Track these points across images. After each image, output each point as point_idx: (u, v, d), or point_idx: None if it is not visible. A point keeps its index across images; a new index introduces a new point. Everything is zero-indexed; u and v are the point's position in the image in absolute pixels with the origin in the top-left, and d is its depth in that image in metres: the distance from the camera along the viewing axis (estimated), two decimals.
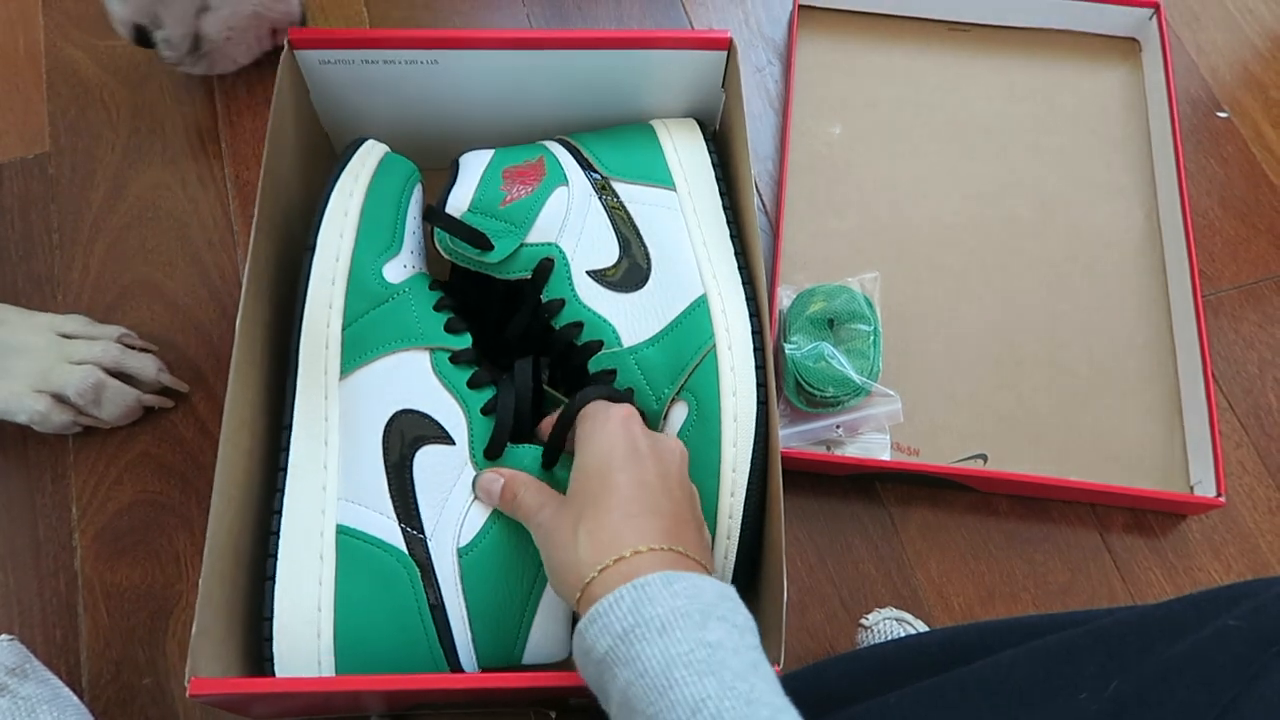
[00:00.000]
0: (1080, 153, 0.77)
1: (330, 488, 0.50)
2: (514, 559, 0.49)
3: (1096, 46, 0.81)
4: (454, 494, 0.50)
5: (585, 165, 0.58)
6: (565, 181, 0.57)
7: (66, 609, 0.60)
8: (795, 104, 0.77)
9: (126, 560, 0.61)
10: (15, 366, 0.61)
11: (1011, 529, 0.64)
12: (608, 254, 0.56)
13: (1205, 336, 0.66)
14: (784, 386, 0.65)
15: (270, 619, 0.47)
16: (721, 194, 0.58)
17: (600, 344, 0.54)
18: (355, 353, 0.52)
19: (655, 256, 0.56)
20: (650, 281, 0.55)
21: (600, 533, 0.42)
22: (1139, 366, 0.69)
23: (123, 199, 0.72)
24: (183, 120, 0.75)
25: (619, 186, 0.58)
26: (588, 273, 0.55)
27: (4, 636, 0.53)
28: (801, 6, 0.80)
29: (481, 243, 0.55)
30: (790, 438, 0.64)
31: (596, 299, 0.55)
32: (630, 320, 0.54)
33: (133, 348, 0.64)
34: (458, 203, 0.56)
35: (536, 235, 0.56)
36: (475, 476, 0.50)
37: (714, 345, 0.52)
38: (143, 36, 0.61)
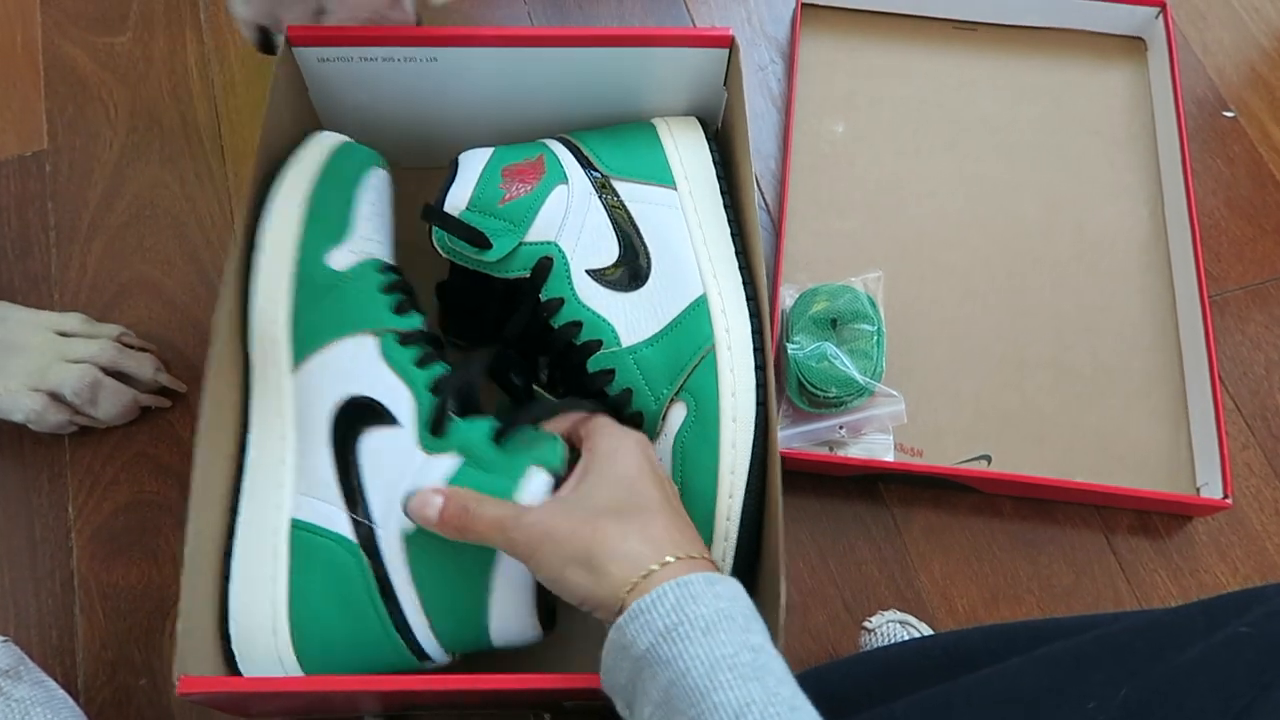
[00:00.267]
0: (1086, 152, 0.76)
1: (287, 483, 0.50)
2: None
3: (1102, 45, 0.81)
4: (404, 478, 0.48)
5: (585, 164, 0.58)
6: (565, 180, 0.57)
7: (62, 610, 0.59)
8: (798, 102, 0.76)
9: (123, 561, 0.60)
10: (11, 364, 0.60)
11: (1015, 530, 0.64)
12: (607, 253, 0.55)
13: (1211, 337, 0.66)
14: (786, 387, 0.64)
15: (226, 620, 0.48)
16: (723, 193, 0.58)
17: (599, 343, 0.53)
18: (304, 344, 0.51)
19: (655, 256, 0.55)
20: (650, 281, 0.55)
21: (652, 531, 0.41)
22: (1144, 367, 0.68)
23: (120, 197, 0.71)
24: (181, 118, 0.74)
25: (619, 185, 0.57)
26: (587, 272, 0.55)
27: None
28: (804, 4, 0.79)
29: (479, 241, 0.54)
30: (793, 438, 0.64)
31: (596, 298, 0.54)
32: (629, 320, 0.54)
33: (131, 347, 0.64)
34: (456, 201, 0.55)
35: (535, 234, 0.55)
36: (405, 499, 0.47)
37: (714, 346, 0.52)
38: (266, 40, 0.61)
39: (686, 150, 0.59)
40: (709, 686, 0.34)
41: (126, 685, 0.57)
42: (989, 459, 0.65)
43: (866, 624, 0.58)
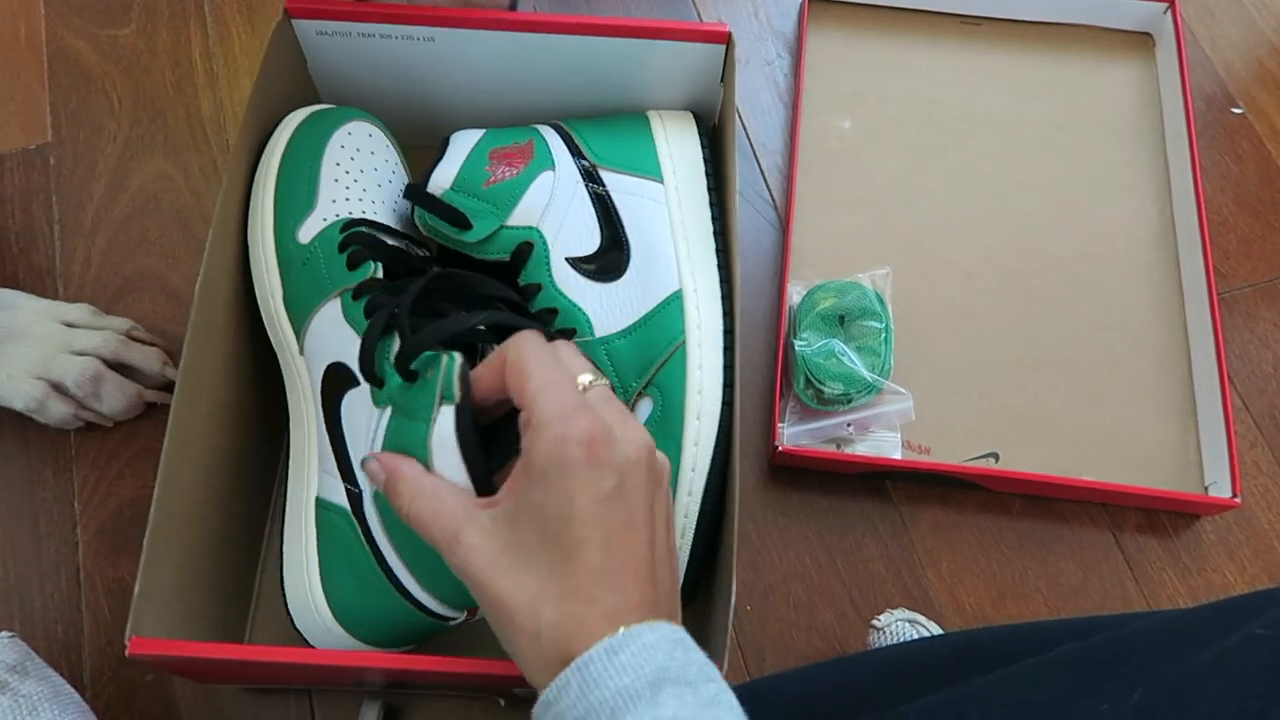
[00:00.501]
0: (1093, 148, 0.76)
1: (313, 463, 0.50)
2: None
3: (1110, 41, 0.80)
4: (366, 438, 0.47)
5: (575, 151, 0.58)
6: (552, 166, 0.56)
7: (68, 605, 0.59)
8: (805, 98, 0.76)
9: (128, 556, 0.60)
10: (14, 353, 0.60)
11: (1023, 529, 0.63)
12: (589, 241, 0.55)
13: (1220, 335, 0.65)
14: (794, 384, 0.64)
15: (285, 601, 0.49)
16: (710, 190, 0.57)
17: (573, 332, 0.53)
18: (298, 323, 0.52)
19: (635, 248, 0.55)
20: (628, 273, 0.54)
21: (565, 624, 0.35)
22: (1153, 365, 0.68)
23: (124, 190, 0.71)
24: (185, 111, 0.74)
25: (606, 175, 0.57)
26: (567, 259, 0.54)
27: (4, 633, 0.53)
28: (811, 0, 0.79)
29: (460, 221, 0.54)
30: (799, 435, 0.64)
31: (573, 287, 0.54)
32: (605, 310, 0.53)
33: (139, 340, 0.64)
34: (440, 180, 0.55)
35: (518, 218, 0.55)
36: (363, 460, 0.44)
37: (684, 342, 0.52)
38: None
39: (677, 145, 0.59)
40: None
41: (132, 680, 0.57)
42: (997, 457, 0.65)
43: (875, 622, 0.58)
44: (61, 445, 0.63)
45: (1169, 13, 0.78)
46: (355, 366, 0.48)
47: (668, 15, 0.81)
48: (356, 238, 0.52)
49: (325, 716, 0.56)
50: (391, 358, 0.45)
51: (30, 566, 0.60)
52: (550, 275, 0.54)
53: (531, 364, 0.39)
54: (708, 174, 0.58)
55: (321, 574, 0.48)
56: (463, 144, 0.57)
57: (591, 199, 0.56)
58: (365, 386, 0.47)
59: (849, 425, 0.64)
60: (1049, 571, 0.62)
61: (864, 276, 0.68)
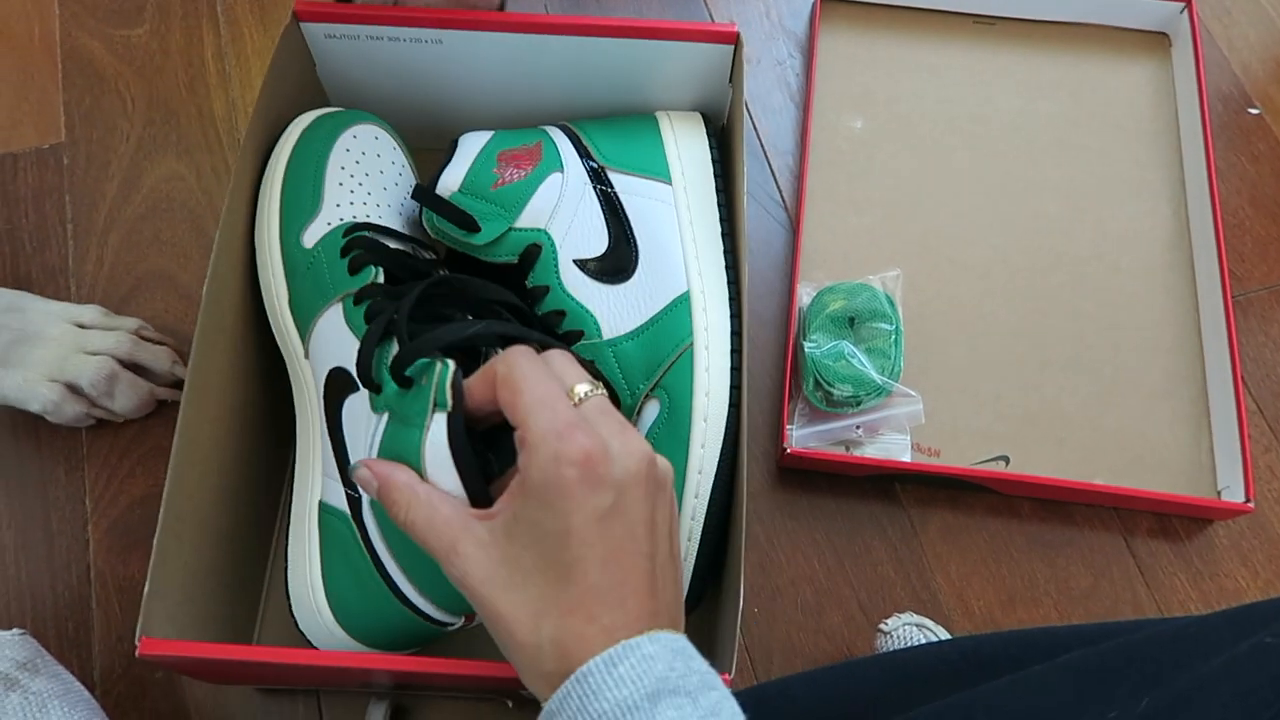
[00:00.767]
0: (1108, 149, 0.75)
1: (316, 466, 0.51)
2: None
3: (1126, 41, 0.80)
4: (365, 443, 0.47)
5: (583, 152, 0.58)
6: (561, 168, 0.56)
7: (79, 602, 0.60)
8: (816, 98, 0.76)
9: (139, 554, 0.61)
10: (29, 355, 0.60)
11: (1033, 532, 0.63)
12: (597, 243, 0.55)
13: (1234, 338, 0.65)
14: (803, 385, 0.64)
15: (289, 603, 0.50)
16: (718, 191, 0.57)
17: (580, 334, 0.53)
18: (303, 328, 0.52)
19: (644, 250, 0.55)
20: (636, 274, 0.54)
21: (565, 638, 0.35)
22: (1166, 368, 0.67)
23: (137, 190, 0.71)
24: (197, 111, 0.74)
25: (615, 176, 0.57)
26: (575, 261, 0.54)
27: (16, 630, 0.53)
28: None
29: (467, 224, 0.54)
30: (809, 437, 0.63)
31: (581, 289, 0.54)
32: (613, 312, 0.53)
33: (149, 340, 0.64)
34: (449, 183, 0.55)
35: (526, 220, 0.55)
36: (351, 467, 0.44)
37: (691, 344, 0.52)
38: None
39: (686, 146, 0.59)
40: None
41: (142, 679, 0.58)
42: (1007, 460, 0.64)
43: (882, 626, 0.57)
44: (73, 444, 0.63)
45: (1185, 12, 0.77)
46: (353, 370, 0.48)
47: (679, 15, 0.81)
48: (359, 242, 0.52)
49: (333, 716, 0.57)
50: (388, 364, 0.45)
51: (41, 564, 0.60)
52: (558, 277, 0.54)
53: (522, 380, 0.39)
54: (716, 175, 0.58)
55: (324, 577, 0.48)
56: (471, 146, 0.57)
57: (600, 200, 0.56)
58: (365, 392, 0.47)
59: (858, 427, 0.63)
60: (1059, 575, 0.62)
61: (874, 278, 0.68)
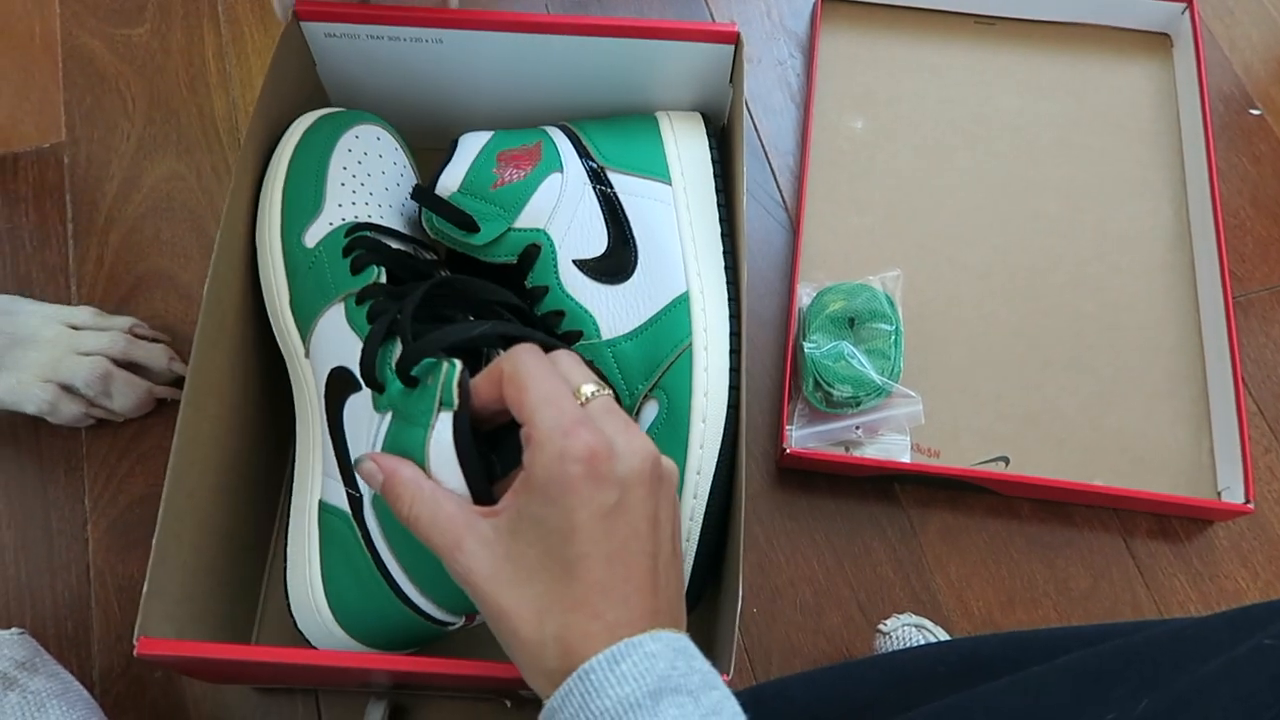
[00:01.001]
0: (1109, 149, 0.75)
1: (317, 466, 0.50)
2: None
3: (1127, 41, 0.80)
4: (367, 443, 0.47)
5: (583, 153, 0.58)
6: (560, 168, 0.56)
7: (78, 602, 0.60)
8: (817, 98, 0.76)
9: (139, 553, 0.61)
10: (23, 358, 0.60)
11: (1033, 533, 0.63)
12: (597, 243, 0.55)
13: (1235, 339, 0.65)
14: (803, 386, 0.64)
15: (288, 602, 0.50)
16: (718, 191, 0.57)
17: (580, 334, 0.53)
18: (304, 328, 0.52)
19: (643, 250, 0.55)
20: (635, 275, 0.54)
21: (568, 635, 0.36)
22: (1166, 368, 0.67)
23: (137, 189, 0.71)
24: (198, 111, 0.74)
25: (614, 176, 0.57)
26: (574, 262, 0.54)
27: (15, 630, 0.53)
28: None
29: (467, 224, 0.54)
30: (808, 438, 0.63)
31: (580, 289, 0.54)
32: (612, 312, 0.53)
33: (143, 338, 0.64)
34: (448, 183, 0.55)
35: (526, 220, 0.55)
36: (357, 460, 0.44)
37: (690, 344, 0.52)
38: None
39: (686, 146, 0.59)
40: None
41: (141, 678, 0.58)
42: (1007, 460, 0.64)
43: (881, 627, 0.57)
44: (73, 444, 0.63)
45: (1187, 12, 0.77)
46: (355, 370, 0.48)
47: (680, 15, 0.81)
48: (361, 242, 0.52)
49: (332, 715, 0.57)
50: (393, 363, 0.46)
51: (41, 563, 0.60)
52: (557, 277, 0.54)
53: (529, 378, 0.39)
54: (716, 175, 0.58)
55: (323, 576, 0.48)
56: (471, 146, 0.57)
57: (599, 201, 0.56)
58: (367, 391, 0.47)
59: (858, 428, 0.63)
60: (1058, 576, 0.62)
61: (874, 279, 0.68)
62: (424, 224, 0.55)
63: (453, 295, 0.50)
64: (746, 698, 0.38)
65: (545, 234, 0.55)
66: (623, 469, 0.37)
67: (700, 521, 0.49)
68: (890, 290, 0.67)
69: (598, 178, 0.57)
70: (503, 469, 0.43)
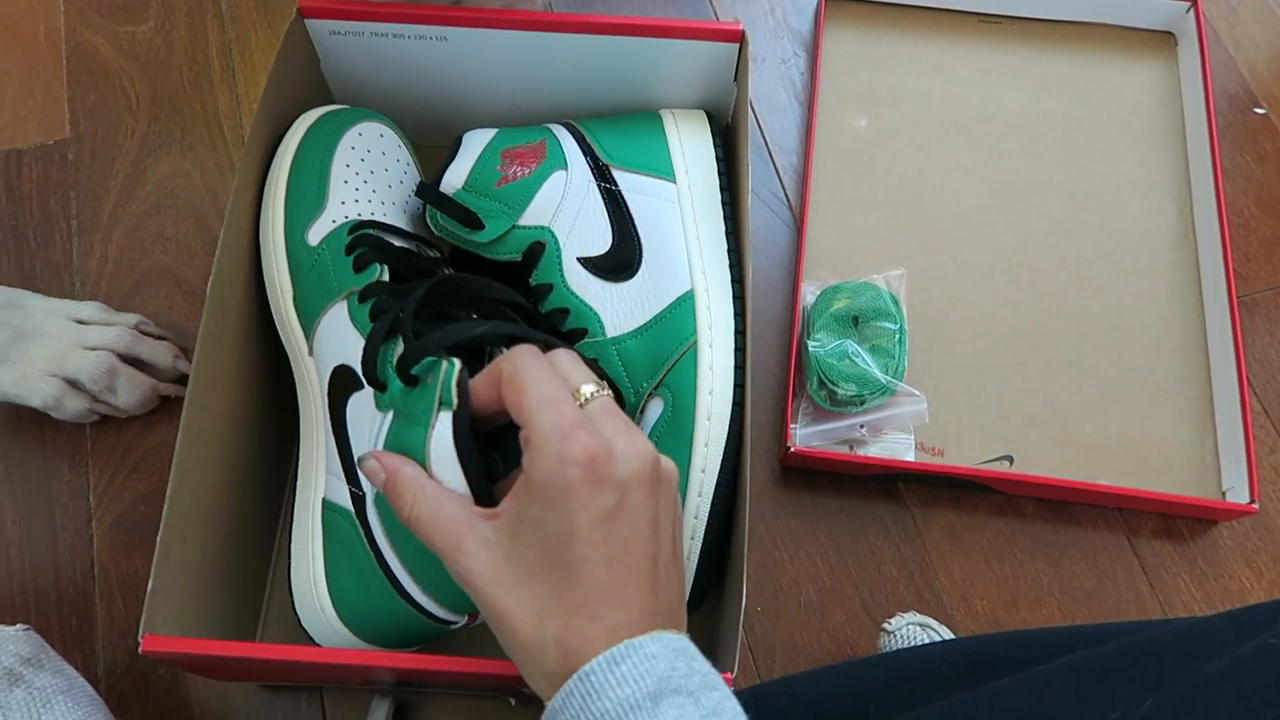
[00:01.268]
0: (1113, 148, 0.75)
1: (320, 464, 0.51)
2: None
3: (1131, 40, 0.79)
4: (369, 441, 0.47)
5: (587, 150, 0.57)
6: (565, 166, 0.56)
7: (82, 598, 0.60)
8: (821, 96, 0.76)
9: (143, 550, 0.61)
10: (29, 351, 0.61)
11: (1037, 532, 0.63)
12: (601, 241, 0.55)
13: (1239, 338, 0.65)
14: (807, 384, 0.64)
15: (292, 599, 0.50)
16: (723, 189, 0.57)
17: (584, 332, 0.53)
18: (307, 325, 0.52)
19: (647, 248, 0.55)
20: (640, 273, 0.54)
21: (569, 637, 0.36)
22: (1170, 368, 0.67)
23: (141, 186, 0.71)
24: (202, 108, 0.74)
25: (619, 174, 0.57)
26: (578, 259, 0.54)
27: (20, 626, 0.53)
28: None
29: (472, 222, 0.54)
30: (812, 436, 0.63)
31: (585, 286, 0.54)
32: (616, 310, 0.53)
33: (148, 335, 0.64)
34: (453, 180, 0.55)
35: (530, 218, 0.55)
36: (360, 458, 0.44)
37: (695, 342, 0.52)
38: None
39: (690, 144, 0.59)
40: None
41: (146, 674, 0.58)
42: (1011, 459, 0.64)
43: (885, 625, 0.57)
44: (77, 440, 0.63)
45: (1191, 12, 0.77)
46: (358, 368, 0.48)
47: (684, 13, 0.81)
48: (364, 240, 0.52)
49: (336, 713, 0.57)
50: (394, 362, 0.45)
51: (45, 560, 0.60)
52: (562, 275, 0.54)
53: (527, 380, 0.39)
54: (720, 173, 0.58)
55: (327, 574, 0.48)
56: (475, 143, 0.57)
57: (604, 198, 0.56)
58: (370, 390, 0.47)
59: (862, 427, 0.63)
60: (1062, 576, 0.62)
61: (879, 277, 0.68)
62: (428, 221, 0.55)
63: (455, 293, 0.50)
64: (750, 696, 0.38)
65: (549, 231, 0.55)
66: (622, 471, 0.37)
67: (705, 520, 0.49)
68: (894, 289, 0.67)
69: (602, 175, 0.57)
70: (505, 467, 0.43)
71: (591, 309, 0.53)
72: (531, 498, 0.37)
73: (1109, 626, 0.41)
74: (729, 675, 0.40)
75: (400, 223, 0.55)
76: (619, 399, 0.52)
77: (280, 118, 0.57)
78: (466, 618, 0.48)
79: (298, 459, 0.53)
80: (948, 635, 0.57)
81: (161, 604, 0.45)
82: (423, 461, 0.42)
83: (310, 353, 0.52)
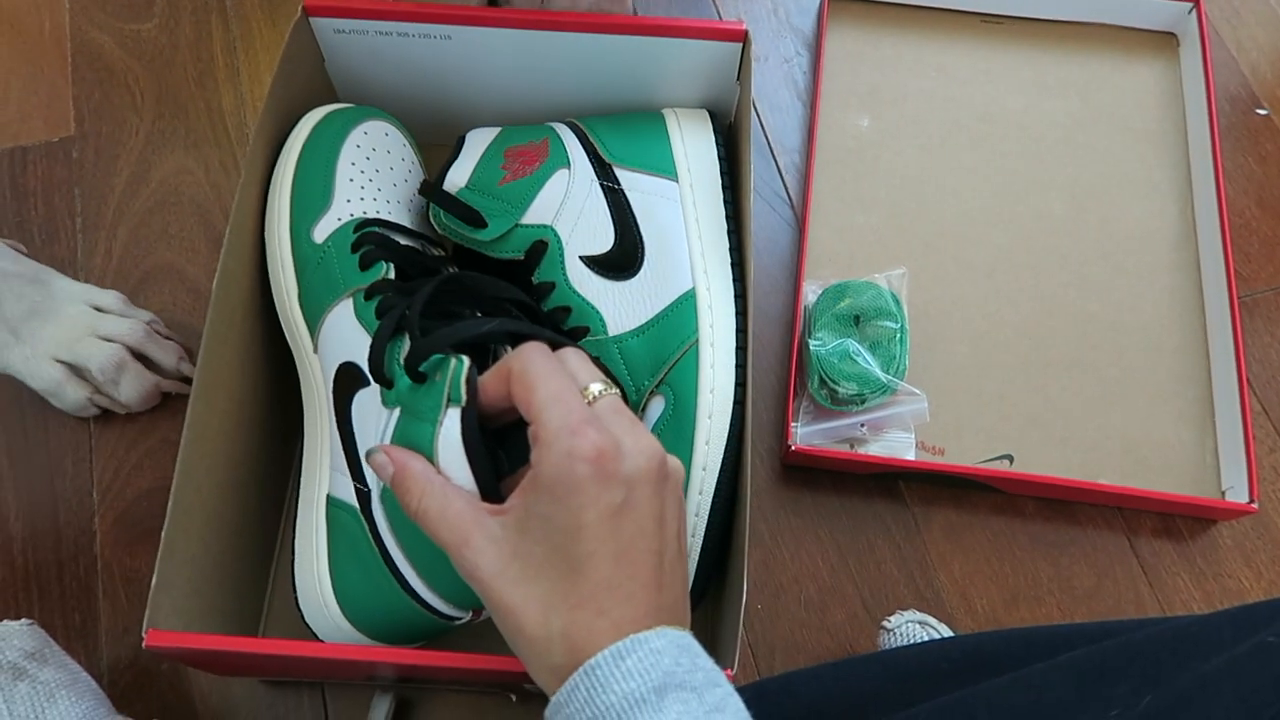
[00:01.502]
0: (1115, 149, 0.75)
1: (325, 460, 0.51)
2: None
3: (1133, 41, 0.80)
4: (375, 438, 0.47)
5: (590, 149, 0.58)
6: (567, 164, 0.57)
7: (86, 593, 0.60)
8: (823, 96, 0.76)
9: (146, 546, 0.61)
10: (40, 330, 0.61)
11: (1037, 531, 0.63)
12: (603, 240, 0.55)
13: (1240, 339, 0.65)
14: (808, 383, 0.64)
15: (295, 595, 0.50)
16: (725, 189, 0.57)
17: (586, 330, 0.53)
18: (312, 323, 0.52)
19: (649, 246, 0.55)
20: (642, 271, 0.54)
21: (575, 632, 0.36)
22: (1171, 368, 0.67)
23: (146, 183, 0.72)
24: (206, 105, 0.75)
25: (621, 173, 0.57)
26: (581, 258, 0.55)
27: (24, 621, 0.54)
28: None
29: (474, 220, 0.55)
30: (813, 435, 0.64)
31: (587, 285, 0.54)
32: (618, 309, 0.53)
33: (160, 334, 0.64)
34: (456, 179, 0.56)
35: (533, 216, 0.55)
36: (368, 451, 0.44)
37: (697, 340, 0.52)
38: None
39: (693, 143, 0.59)
40: None
41: (149, 670, 0.58)
42: (1011, 459, 0.64)
43: (885, 623, 0.57)
44: (81, 436, 0.64)
45: (1193, 12, 0.77)
46: (363, 365, 0.48)
47: (687, 13, 0.81)
48: (369, 238, 0.52)
49: (338, 709, 0.57)
50: (401, 359, 0.46)
51: (48, 555, 0.61)
52: (564, 273, 0.54)
53: (537, 377, 0.39)
54: (723, 172, 0.58)
55: (331, 570, 0.49)
56: (478, 142, 0.58)
57: (606, 197, 0.56)
58: (376, 387, 0.47)
59: (863, 425, 0.63)
60: (1062, 575, 0.62)
61: (880, 277, 0.68)
62: (431, 220, 0.56)
63: (461, 292, 0.51)
64: (750, 693, 0.38)
65: (552, 230, 0.55)
66: (629, 468, 0.37)
67: (705, 518, 0.50)
68: (895, 288, 0.67)
69: (605, 174, 0.57)
70: (511, 465, 0.44)
71: (593, 307, 0.53)
72: (539, 493, 0.37)
73: (1107, 625, 0.41)
74: (729, 672, 0.40)
75: (405, 221, 0.56)
76: (623, 399, 0.52)
77: (285, 116, 0.58)
78: (471, 614, 0.48)
79: (302, 455, 0.53)
80: (947, 633, 0.58)
81: (165, 599, 0.46)
82: (430, 458, 0.42)
83: (315, 350, 0.52)
